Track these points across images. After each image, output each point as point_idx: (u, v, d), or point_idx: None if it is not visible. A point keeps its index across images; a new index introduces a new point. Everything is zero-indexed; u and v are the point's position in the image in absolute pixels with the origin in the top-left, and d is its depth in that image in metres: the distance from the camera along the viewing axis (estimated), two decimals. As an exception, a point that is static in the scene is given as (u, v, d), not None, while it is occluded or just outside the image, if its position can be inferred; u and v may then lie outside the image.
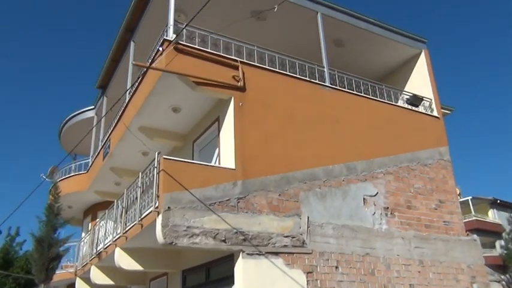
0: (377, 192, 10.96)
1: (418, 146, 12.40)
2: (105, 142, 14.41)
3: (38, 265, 10.69)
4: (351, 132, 11.26)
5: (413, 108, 13.16)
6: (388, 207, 10.95)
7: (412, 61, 14.67)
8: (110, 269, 12.02)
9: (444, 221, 11.81)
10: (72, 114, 19.41)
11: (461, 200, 15.62)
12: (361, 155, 11.13)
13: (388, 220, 10.82)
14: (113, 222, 11.60)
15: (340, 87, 11.77)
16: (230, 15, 11.22)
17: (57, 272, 12.79)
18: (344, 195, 10.40)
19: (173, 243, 7.97)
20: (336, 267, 9.49)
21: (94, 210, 18.38)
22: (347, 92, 11.76)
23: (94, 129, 17.43)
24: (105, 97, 16.66)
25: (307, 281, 8.97)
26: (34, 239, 10.87)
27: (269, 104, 10.22)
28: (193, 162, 9.71)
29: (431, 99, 13.68)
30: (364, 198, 10.69)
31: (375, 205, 10.77)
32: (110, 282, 12.58)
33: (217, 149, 10.40)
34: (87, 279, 13.85)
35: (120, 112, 12.76)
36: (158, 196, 8.36)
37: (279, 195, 9.46)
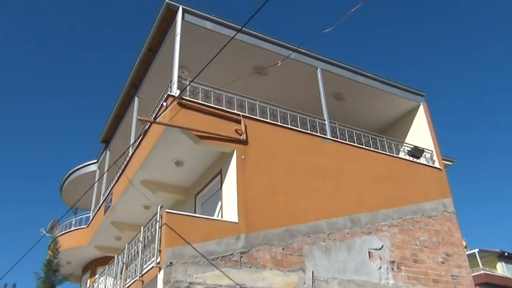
0: (382, 245, 10.77)
1: (422, 197, 12.33)
2: (107, 196, 14.36)
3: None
4: (354, 184, 11.25)
5: (415, 160, 13.22)
6: (394, 261, 10.72)
7: (411, 114, 14.91)
8: (109, 328, 11.58)
9: (452, 275, 11.52)
10: (75, 169, 19.46)
11: (468, 252, 15.26)
12: (365, 207, 11.06)
13: (395, 274, 10.56)
14: (112, 279, 11.31)
15: (341, 139, 11.89)
16: (233, 71, 11.57)
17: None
18: (349, 249, 10.22)
19: (175, 301, 7.74)
20: (343, 325, 9.16)
21: (93, 266, 17.98)
22: (348, 144, 11.87)
23: (96, 183, 17.41)
24: (108, 151, 16.78)
25: None
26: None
27: (271, 156, 10.29)
28: (196, 216, 9.62)
29: (432, 151, 13.76)
30: (369, 252, 10.50)
31: (380, 259, 10.55)
32: None
33: (219, 202, 10.35)
34: None
35: (123, 166, 12.82)
36: (160, 251, 8.22)
37: (283, 249, 9.30)
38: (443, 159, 14.04)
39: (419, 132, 14.47)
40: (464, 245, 13.60)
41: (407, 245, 11.19)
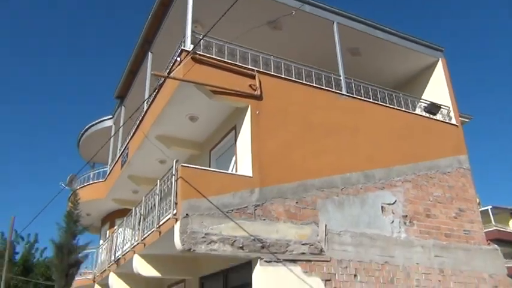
0: (395, 201, 10.86)
1: (437, 154, 12.27)
2: (123, 151, 14.60)
3: (58, 271, 10.83)
4: (369, 140, 11.21)
5: (431, 116, 13.05)
6: (406, 216, 10.83)
7: (429, 69, 14.60)
8: (128, 276, 12.10)
9: (464, 230, 11.63)
10: (91, 124, 19.73)
11: (481, 209, 15.32)
12: (379, 163, 11.07)
13: (407, 228, 10.69)
14: (130, 230, 11.70)
15: (356, 95, 11.76)
16: (247, 25, 11.33)
17: (76, 278, 12.91)
18: (362, 203, 10.33)
19: (191, 250, 8.00)
20: (355, 275, 9.41)
21: (112, 218, 18.56)
22: (364, 100, 11.74)
23: (112, 138, 17.67)
24: (123, 107, 16.90)
25: (326, 289, 8.91)
26: (54, 246, 11.03)
27: (286, 112, 10.25)
28: (211, 170, 9.77)
29: (449, 107, 13.56)
30: (382, 207, 10.60)
31: (393, 213, 10.66)
32: (127, 288, 12.67)
33: (234, 157, 10.45)
34: (105, 286, 13.95)
35: (138, 121, 12.94)
36: (176, 203, 8.43)
37: (297, 202, 9.44)
38: (460, 116, 13.84)
39: (437, 88, 14.21)
40: (477, 201, 13.60)
41: (420, 200, 11.26)
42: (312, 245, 9.15)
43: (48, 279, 23.28)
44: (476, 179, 13.95)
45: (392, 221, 10.55)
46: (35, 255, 29.31)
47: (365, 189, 10.52)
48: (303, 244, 9.06)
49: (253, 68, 10.23)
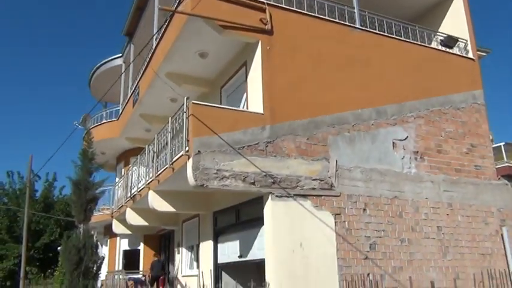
0: (407, 136, 10.83)
1: (451, 89, 12.04)
2: (134, 89, 14.59)
3: (77, 207, 11.20)
4: (382, 75, 11.00)
5: (448, 50, 12.66)
6: (417, 151, 10.85)
7: (447, 1, 13.94)
8: (144, 211, 12.54)
9: (475, 165, 11.66)
10: (101, 63, 19.59)
11: (493, 145, 15.23)
12: (392, 98, 10.93)
13: (418, 164, 10.75)
14: (145, 167, 11.96)
15: (370, 28, 11.38)
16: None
17: (94, 213, 13.40)
18: (373, 139, 10.33)
19: (204, 186, 8.20)
20: (364, 209, 9.62)
21: (126, 156, 18.93)
22: (378, 33, 11.37)
23: (123, 77, 17.60)
24: (132, 44, 16.67)
25: (335, 222, 9.16)
26: (71, 182, 11.34)
27: (297, 47, 10.02)
28: (222, 107, 9.77)
29: (466, 41, 13.09)
30: (393, 142, 10.60)
31: (404, 149, 10.68)
32: (144, 223, 13.18)
33: (244, 94, 10.39)
34: (122, 221, 14.53)
35: (148, 59, 12.80)
36: (188, 140, 8.53)
37: (307, 139, 9.48)
38: (477, 50, 13.39)
39: (455, 20, 13.63)
40: (490, 137, 13.50)
41: (432, 136, 11.22)
42: (322, 180, 9.29)
43: (68, 215, 24.29)
44: (490, 115, 13.73)
45: (403, 157, 10.60)
46: (54, 193, 30.48)
47: (376, 125, 10.48)
48: (313, 180, 9.20)
49: (264, 0, 9.88)
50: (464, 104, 12.14)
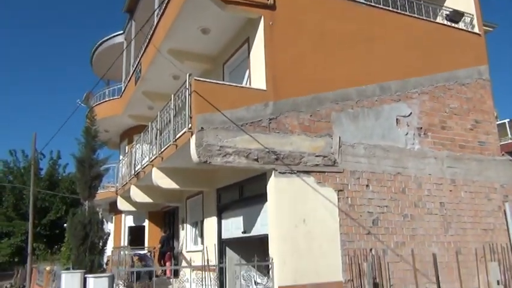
0: (411, 113, 10.77)
1: (456, 64, 11.90)
2: (136, 66, 14.50)
3: (81, 184, 11.30)
4: (386, 50, 10.86)
5: (453, 24, 12.46)
6: (421, 128, 10.81)
7: (454, -27, 13.65)
8: (148, 188, 12.63)
9: (479, 141, 11.62)
10: (102, 40, 19.42)
11: (498, 122, 15.14)
12: (396, 74, 10.82)
13: (421, 140, 10.72)
14: (148, 145, 12.00)
15: (374, 3, 11.19)
16: None
17: (99, 191, 13.52)
18: (377, 116, 10.28)
19: (207, 162, 8.22)
20: (367, 185, 9.65)
21: (130, 134, 18.96)
22: (382, 8, 11.18)
23: (125, 54, 17.47)
24: (133, 21, 16.50)
25: (338, 198, 9.20)
26: (75, 160, 11.41)
27: (300, 22, 9.89)
28: (225, 84, 9.73)
29: (472, 15, 12.87)
30: (397, 119, 10.55)
31: (408, 125, 10.63)
32: (148, 200, 13.29)
33: (247, 71, 10.31)
34: (127, 198, 14.66)
35: (149, 35, 12.67)
36: (191, 117, 8.51)
37: (311, 115, 9.44)
38: (483, 25, 13.18)
39: (461, -6, 13.38)
40: (495, 114, 13.41)
41: (436, 112, 11.15)
42: (325, 156, 9.30)
43: (73, 193, 24.50)
44: (495, 92, 13.59)
45: (407, 133, 10.56)
46: (59, 171, 30.71)
47: (380, 101, 10.42)
48: (316, 156, 9.21)
49: (266, -25, 9.70)
50: (469, 80, 12.03)
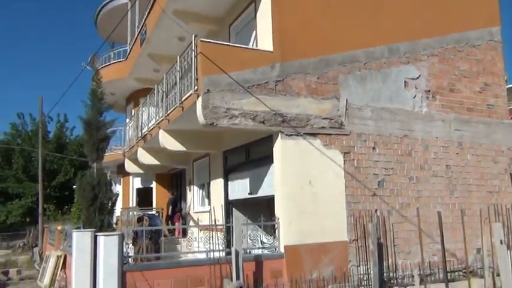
0: (419, 75, 10.63)
1: (468, 25, 11.62)
2: (141, 28, 14.31)
3: (89, 146, 11.34)
4: (395, 11, 10.60)
5: (466, -17, 12.07)
6: (429, 90, 10.69)
7: None
8: (155, 150, 12.73)
9: (488, 104, 11.50)
10: (107, 1, 19.11)
11: (508, 86, 14.94)
12: (405, 36, 10.60)
13: (429, 103, 10.63)
14: (154, 107, 12.00)
15: (385, -39, 10.83)
16: None
17: (107, 153, 13.62)
18: (384, 78, 10.17)
19: (214, 124, 8.24)
20: (373, 148, 9.66)
21: (136, 97, 18.93)
22: (393, -34, 10.83)
23: (130, 16, 17.21)
24: (137, -19, 16.14)
25: (344, 160, 9.24)
26: (82, 122, 11.44)
27: (308, -19, 9.62)
28: (231, 45, 9.61)
29: (486, -27, 12.45)
30: (405, 81, 10.43)
31: (416, 88, 10.52)
32: (155, 162, 13.41)
33: (254, 32, 10.15)
34: (134, 160, 14.81)
35: (154, -5, 12.44)
36: (197, 79, 8.47)
37: (318, 78, 9.35)
38: (497, -17, 12.77)
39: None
40: (505, 77, 13.20)
41: (445, 75, 10.99)
42: (332, 119, 9.27)
43: (81, 155, 24.79)
44: (506, 55, 13.29)
45: (415, 96, 10.47)
46: (66, 134, 30.96)
47: (388, 63, 10.27)
48: (323, 118, 9.19)
49: None
50: (481, 41, 11.78)
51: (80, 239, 10.49)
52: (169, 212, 14.91)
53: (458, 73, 11.21)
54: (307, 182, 8.78)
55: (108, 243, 7.22)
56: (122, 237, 7.46)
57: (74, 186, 19.65)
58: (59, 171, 27.89)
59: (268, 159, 9.19)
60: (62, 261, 12.49)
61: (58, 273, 12.24)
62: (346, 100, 9.54)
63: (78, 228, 11.41)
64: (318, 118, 9.12)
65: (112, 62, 18.61)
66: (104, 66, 18.48)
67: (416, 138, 10.24)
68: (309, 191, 8.76)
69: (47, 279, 12.41)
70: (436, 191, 10.27)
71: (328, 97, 9.36)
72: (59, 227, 14.72)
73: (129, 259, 7.95)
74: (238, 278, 7.24)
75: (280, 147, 8.70)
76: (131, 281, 7.31)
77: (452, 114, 10.85)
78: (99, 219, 10.82)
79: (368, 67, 9.99)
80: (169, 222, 14.77)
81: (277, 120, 8.70)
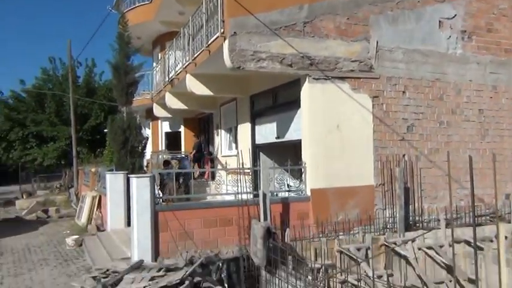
0: (455, 14, 10.10)
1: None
2: (166, -32, 13.94)
3: (118, 90, 11.58)
4: None
5: None
6: (465, 31, 10.18)
7: None
8: (183, 95, 12.77)
9: (527, 44, 10.92)
10: None
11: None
12: (442, -28, 10.00)
13: (464, 44, 10.17)
14: (180, 51, 11.92)
15: None
16: None
17: (135, 97, 13.86)
18: (418, 18, 9.71)
19: (241, 68, 8.15)
20: (403, 92, 9.44)
21: (162, 41, 18.77)
22: None
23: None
24: None
25: (373, 104, 9.09)
26: (111, 66, 11.58)
27: None
28: (258, -15, 9.25)
29: None
30: (439, 21, 9.94)
31: (451, 28, 10.04)
32: (183, 106, 13.50)
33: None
34: (162, 105, 14.95)
35: None
36: (223, 21, 8.30)
37: (347, 18, 9.01)
38: None
39: None
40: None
41: (483, 14, 10.41)
42: (361, 62, 9.03)
43: (110, 100, 25.16)
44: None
45: (449, 37, 10.01)
46: (95, 79, 31.33)
47: (423, 2, 9.77)
48: (352, 61, 8.95)
49: None
50: (523, -23, 11.00)
51: (113, 180, 10.97)
52: (194, 155, 15.13)
53: (497, 12, 10.59)
54: (335, 126, 8.73)
55: (140, 185, 7.47)
56: (153, 179, 7.70)
57: (105, 130, 20.15)
58: (90, 116, 28.50)
59: (295, 104, 9.13)
60: (97, 201, 13.11)
61: (94, 212, 12.88)
62: (377, 42, 9.22)
63: (110, 170, 11.87)
64: (346, 61, 8.90)
65: (137, 4, 18.36)
66: (129, 10, 18.26)
67: (448, 82, 9.92)
68: (336, 135, 8.73)
69: (84, 218, 13.11)
70: (466, 136, 10.07)
71: (358, 39, 9.07)
72: (93, 169, 15.31)
73: (160, 200, 8.24)
74: (265, 218, 7.45)
75: (308, 91, 8.60)
76: (163, 220, 7.61)
77: (489, 56, 10.39)
78: (131, 161, 11.22)
79: (400, 6, 9.54)
80: (198, 164, 15.08)
81: (304, 64, 8.53)
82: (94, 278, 6.86)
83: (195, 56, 10.17)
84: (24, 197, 23.35)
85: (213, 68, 9.96)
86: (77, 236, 10.88)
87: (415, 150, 9.46)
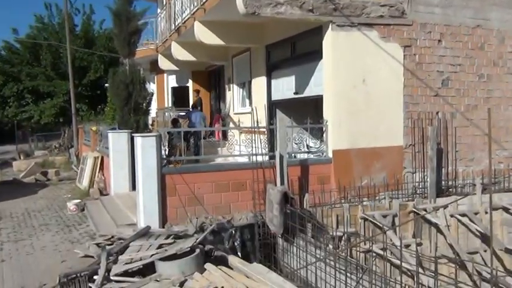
0: (502, -50, 9.63)
1: None
2: None
3: (119, 40, 11.42)
4: None
5: None
6: (514, -31, 9.74)
7: None
8: (191, 45, 12.59)
9: None
10: None
11: None
12: None
13: (511, -15, 9.77)
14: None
15: None
16: None
17: (138, 48, 13.67)
18: None
19: (255, 13, 7.95)
20: (439, 40, 9.17)
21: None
22: None
23: None
24: None
25: (404, 55, 8.87)
26: (111, 13, 11.39)
27: None
28: None
29: None
30: (484, -42, 9.50)
31: (497, -34, 9.59)
32: (191, 58, 13.35)
33: None
34: (168, 56, 14.81)
35: None
36: (236, -40, 8.04)
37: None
38: None
39: None
40: None
41: (535, -51, 9.91)
42: (392, 6, 8.73)
43: (111, 51, 25.03)
44: None
45: (494, -24, 9.60)
46: (94, 28, 31.06)
47: None
48: (381, 6, 8.66)
49: None
50: None
51: (116, 140, 11.03)
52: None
53: None
54: (361, 80, 8.57)
55: (145, 145, 7.49)
56: (159, 139, 7.71)
57: (106, 85, 20.16)
58: (89, 69, 28.46)
59: (316, 54, 8.95)
60: (99, 162, 13.27)
61: (96, 174, 13.07)
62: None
63: (113, 129, 11.92)
64: (375, 5, 8.61)
65: None
66: None
67: (491, 29, 9.60)
68: (362, 90, 8.58)
69: (85, 181, 13.33)
70: (509, 91, 9.86)
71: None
72: (94, 128, 15.42)
73: (167, 161, 8.27)
74: (282, 183, 7.46)
75: (331, 40, 8.39)
76: (171, 183, 7.68)
77: None
78: (135, 119, 11.24)
79: None
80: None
81: (327, 8, 8.28)
82: (98, 244, 7.02)
83: (204, 0, 9.95)
84: (22, 157, 23.76)
85: (224, 14, 9.75)
86: (78, 201, 11.09)
87: (450, 107, 9.29)
